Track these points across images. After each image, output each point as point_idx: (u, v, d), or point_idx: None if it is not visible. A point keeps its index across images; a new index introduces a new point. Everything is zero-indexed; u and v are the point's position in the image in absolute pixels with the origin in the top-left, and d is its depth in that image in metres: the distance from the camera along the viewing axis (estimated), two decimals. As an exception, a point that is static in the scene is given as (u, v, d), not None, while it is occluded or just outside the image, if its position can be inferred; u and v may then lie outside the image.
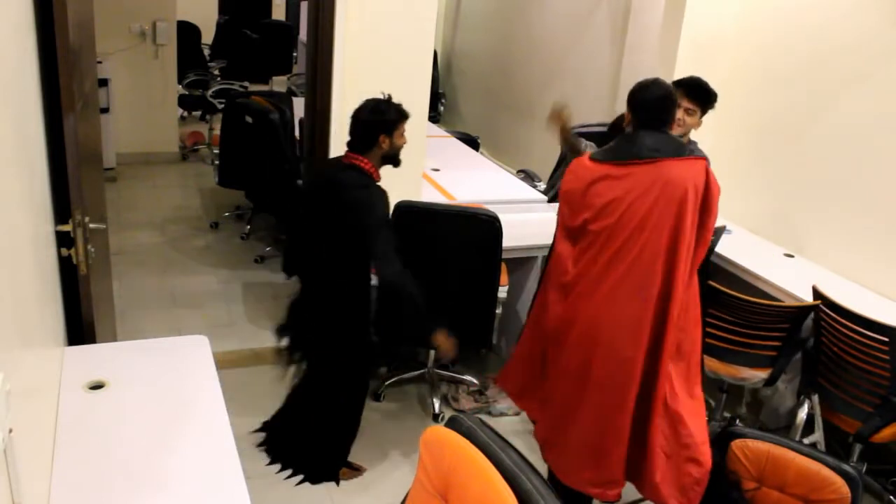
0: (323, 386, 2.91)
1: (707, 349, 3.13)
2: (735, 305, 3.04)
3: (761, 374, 3.12)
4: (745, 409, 3.57)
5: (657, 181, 2.33)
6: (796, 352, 3.12)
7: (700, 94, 2.94)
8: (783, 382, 3.28)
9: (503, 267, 3.38)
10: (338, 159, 2.77)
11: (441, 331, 2.74)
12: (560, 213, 2.61)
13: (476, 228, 3.13)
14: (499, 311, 3.32)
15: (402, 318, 2.93)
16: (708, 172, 2.38)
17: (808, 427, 3.06)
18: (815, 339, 3.02)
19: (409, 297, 2.61)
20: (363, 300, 2.79)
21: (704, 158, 2.42)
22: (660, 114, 2.41)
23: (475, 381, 3.65)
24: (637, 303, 2.40)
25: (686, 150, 2.41)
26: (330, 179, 2.72)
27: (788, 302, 3.27)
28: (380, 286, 2.71)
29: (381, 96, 2.66)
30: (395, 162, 2.71)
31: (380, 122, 2.62)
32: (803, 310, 3.01)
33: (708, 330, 3.13)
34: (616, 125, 3.15)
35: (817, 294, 2.93)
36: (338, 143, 3.46)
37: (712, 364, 3.18)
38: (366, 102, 2.66)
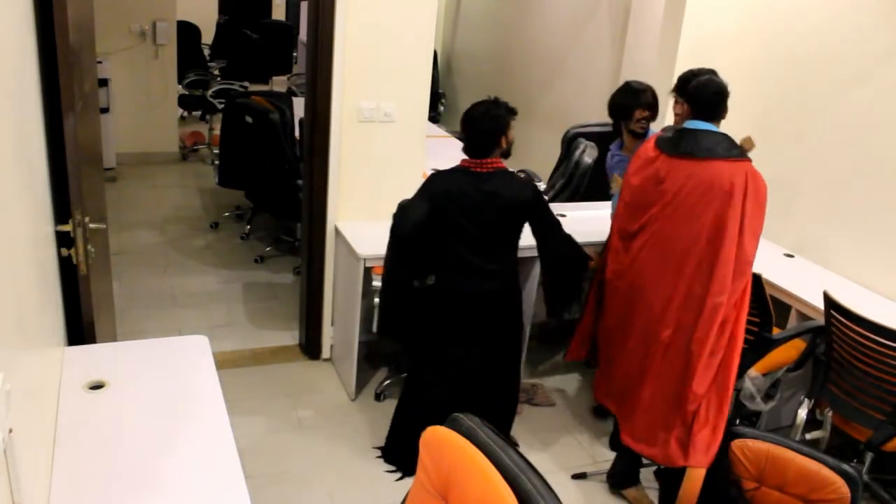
0: (508, 367, 3.12)
1: None
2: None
3: None
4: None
5: (706, 178, 2.60)
6: (764, 352, 3.07)
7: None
8: (751, 380, 3.25)
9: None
10: (469, 171, 2.81)
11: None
12: (623, 201, 2.84)
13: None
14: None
15: (577, 279, 3.16)
16: (748, 174, 2.59)
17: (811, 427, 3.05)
18: (826, 346, 2.98)
19: (584, 257, 3.05)
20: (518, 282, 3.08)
21: (749, 160, 2.64)
22: (714, 107, 2.69)
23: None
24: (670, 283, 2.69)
25: (736, 152, 2.63)
26: (490, 192, 2.80)
27: (784, 300, 3.27)
28: (569, 259, 3.02)
29: (487, 98, 2.81)
30: (509, 154, 2.91)
31: (499, 128, 2.78)
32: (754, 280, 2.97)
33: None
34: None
35: (829, 300, 2.87)
36: (338, 143, 3.46)
37: None
38: (478, 110, 2.79)
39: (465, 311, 2.95)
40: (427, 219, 2.83)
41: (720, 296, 2.63)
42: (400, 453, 3.11)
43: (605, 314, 2.98)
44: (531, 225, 2.93)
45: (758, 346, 3.04)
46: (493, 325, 2.99)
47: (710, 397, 2.71)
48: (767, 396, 3.16)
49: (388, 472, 3.08)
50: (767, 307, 2.98)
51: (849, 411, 2.90)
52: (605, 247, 3.03)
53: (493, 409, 3.13)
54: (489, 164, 2.81)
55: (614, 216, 2.96)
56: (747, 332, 2.94)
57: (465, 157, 2.85)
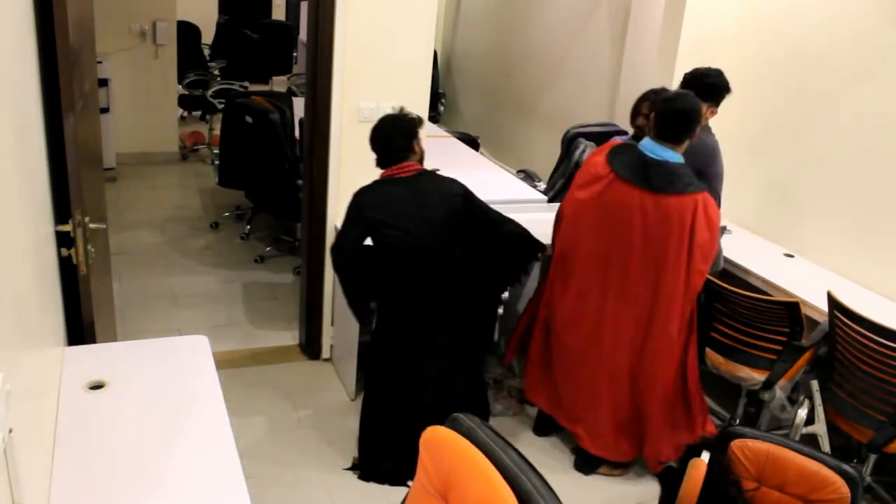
0: (477, 362, 3.17)
1: (711, 344, 3.21)
2: (729, 300, 3.07)
3: (758, 377, 3.11)
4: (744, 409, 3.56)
5: (671, 213, 2.66)
6: (796, 359, 3.08)
7: (704, 92, 3.08)
8: (781, 389, 3.26)
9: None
10: (396, 178, 2.83)
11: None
12: (565, 217, 2.90)
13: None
14: (500, 310, 3.32)
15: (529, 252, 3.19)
16: (697, 207, 2.65)
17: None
18: (829, 347, 2.97)
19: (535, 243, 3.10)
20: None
21: (703, 191, 2.68)
22: (676, 128, 2.67)
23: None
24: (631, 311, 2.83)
25: (692, 186, 2.66)
26: (425, 191, 2.83)
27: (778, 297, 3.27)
28: (517, 236, 3.03)
29: (392, 111, 2.86)
30: (422, 161, 2.93)
31: (411, 133, 2.83)
32: (790, 307, 2.99)
33: (713, 324, 3.18)
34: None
35: (832, 300, 2.85)
36: (338, 143, 3.46)
37: (714, 358, 3.19)
38: (386, 121, 2.84)
39: (433, 320, 2.92)
40: (363, 240, 2.84)
41: (672, 325, 2.80)
42: (388, 466, 2.99)
43: (556, 360, 3.03)
44: (472, 215, 2.93)
45: (789, 354, 3.05)
46: (458, 327, 3.00)
47: (674, 395, 2.90)
48: (790, 401, 3.16)
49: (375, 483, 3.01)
50: (800, 319, 3.02)
51: (851, 412, 2.90)
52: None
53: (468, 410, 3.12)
54: (409, 168, 2.84)
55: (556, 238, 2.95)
56: (775, 342, 3.02)
57: (382, 171, 2.87)
